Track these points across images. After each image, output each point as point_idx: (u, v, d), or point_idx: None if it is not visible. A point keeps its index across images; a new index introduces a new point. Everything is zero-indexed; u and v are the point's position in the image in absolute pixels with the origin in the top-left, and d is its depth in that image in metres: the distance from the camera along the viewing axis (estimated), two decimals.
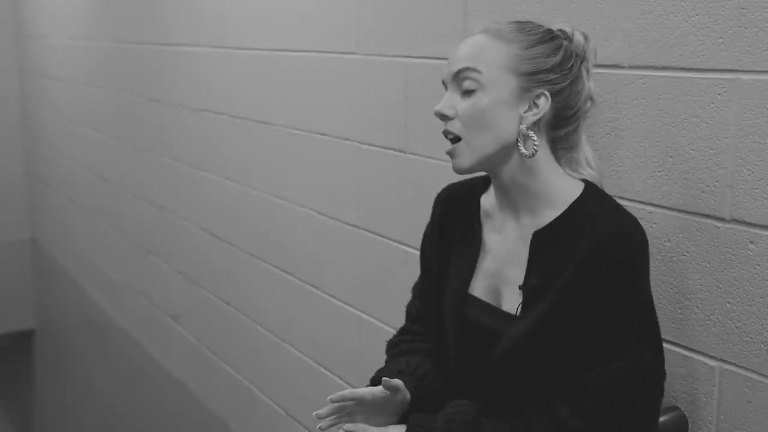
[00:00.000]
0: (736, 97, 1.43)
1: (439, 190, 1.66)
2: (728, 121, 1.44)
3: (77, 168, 5.48)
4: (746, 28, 1.41)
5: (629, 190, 1.62)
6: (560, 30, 1.47)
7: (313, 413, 1.45)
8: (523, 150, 1.40)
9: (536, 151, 1.40)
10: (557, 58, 1.42)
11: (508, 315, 1.45)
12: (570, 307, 1.35)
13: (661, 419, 1.52)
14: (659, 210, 1.57)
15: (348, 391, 1.44)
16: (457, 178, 1.59)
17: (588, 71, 1.47)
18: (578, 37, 1.46)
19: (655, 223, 1.58)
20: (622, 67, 1.63)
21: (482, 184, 1.57)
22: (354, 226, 2.59)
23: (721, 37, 1.45)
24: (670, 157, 1.54)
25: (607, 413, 1.33)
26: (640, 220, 1.58)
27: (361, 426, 1.43)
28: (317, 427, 1.47)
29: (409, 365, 1.57)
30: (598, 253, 1.33)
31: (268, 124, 3.05)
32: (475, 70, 1.39)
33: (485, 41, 1.41)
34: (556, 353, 1.36)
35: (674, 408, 1.55)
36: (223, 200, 3.47)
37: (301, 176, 2.88)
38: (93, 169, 5.18)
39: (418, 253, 1.71)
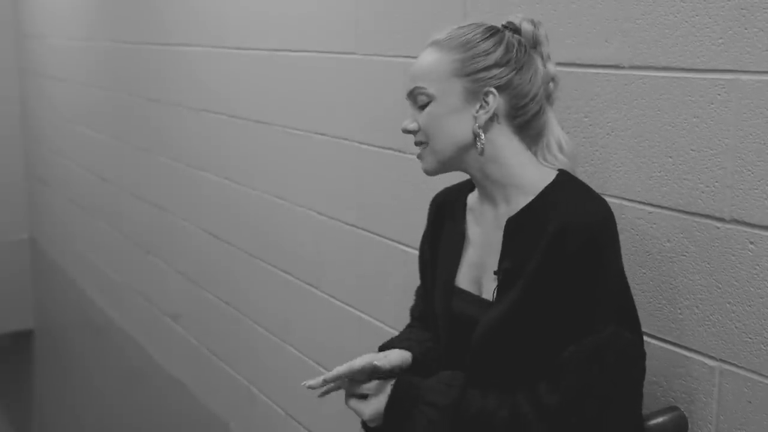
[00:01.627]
0: (736, 97, 1.43)
1: (437, 189, 1.69)
2: (728, 121, 1.44)
3: (76, 168, 5.48)
4: (746, 29, 1.41)
5: (629, 190, 1.62)
6: (508, 23, 1.51)
7: (303, 383, 1.52)
8: (479, 146, 1.46)
9: (483, 148, 1.46)
10: (498, 53, 1.46)
11: (487, 302, 1.48)
12: (541, 289, 1.37)
13: (661, 419, 1.52)
14: (659, 210, 1.57)
15: (345, 367, 1.50)
16: (453, 179, 1.61)
17: (543, 55, 1.50)
18: (526, 26, 1.50)
19: (654, 224, 1.58)
20: (623, 68, 1.63)
21: (471, 185, 1.61)
22: (353, 225, 2.59)
23: (721, 38, 1.45)
24: (670, 157, 1.54)
25: (582, 390, 1.34)
26: (639, 221, 1.59)
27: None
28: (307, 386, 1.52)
29: (418, 336, 1.65)
30: (563, 233, 1.35)
31: (268, 124, 3.05)
32: (420, 87, 1.48)
33: (430, 55, 1.49)
34: (531, 335, 1.38)
35: (674, 408, 1.55)
36: (222, 200, 3.47)
37: (301, 176, 2.88)
38: (92, 169, 5.18)
39: (417, 252, 1.72)
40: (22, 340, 7.29)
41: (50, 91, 5.98)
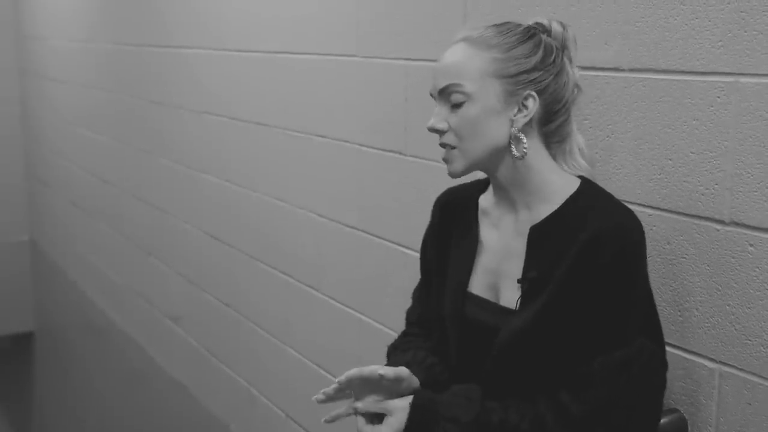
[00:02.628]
0: (736, 100, 1.43)
1: (439, 192, 1.67)
2: (727, 123, 1.45)
3: (77, 170, 5.49)
4: (745, 32, 1.41)
5: (629, 192, 1.63)
6: (537, 23, 1.48)
7: (318, 394, 1.46)
8: (514, 152, 1.42)
9: (526, 152, 1.42)
10: (538, 56, 1.43)
11: (506, 310, 1.46)
12: (568, 299, 1.36)
13: (661, 421, 1.52)
14: (659, 212, 1.58)
15: (355, 371, 1.44)
16: (456, 181, 1.60)
17: (571, 60, 1.48)
18: (556, 28, 1.47)
19: (654, 226, 1.58)
20: (622, 70, 1.63)
21: (481, 186, 1.59)
22: (354, 228, 2.59)
23: (720, 41, 1.45)
24: (670, 159, 1.55)
25: (608, 401, 1.34)
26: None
27: (368, 402, 1.44)
28: (320, 403, 1.47)
29: (416, 357, 1.57)
30: (594, 244, 1.34)
31: (268, 126, 3.05)
32: (458, 85, 1.41)
33: (466, 51, 1.43)
34: (555, 345, 1.37)
35: (674, 410, 1.56)
36: (223, 202, 3.47)
37: (301, 178, 2.88)
38: (93, 171, 5.18)
39: (417, 255, 1.71)
40: (23, 341, 7.29)
41: (51, 92, 5.98)
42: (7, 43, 6.72)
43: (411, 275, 1.72)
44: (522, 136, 1.42)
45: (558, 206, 1.43)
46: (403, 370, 1.46)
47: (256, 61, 3.10)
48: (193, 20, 3.62)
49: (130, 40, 4.38)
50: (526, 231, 1.45)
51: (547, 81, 1.42)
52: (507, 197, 1.49)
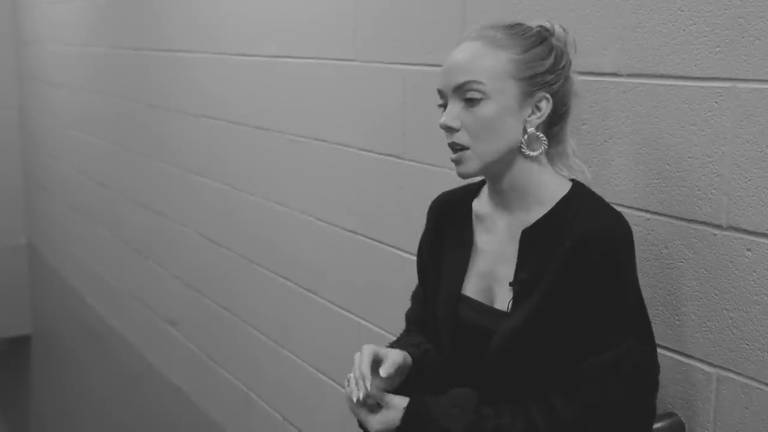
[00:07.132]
0: (733, 105, 1.44)
1: (437, 195, 1.68)
2: (725, 129, 1.45)
3: (75, 173, 5.49)
4: (743, 38, 1.42)
5: (627, 197, 1.63)
6: (541, 26, 1.49)
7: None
8: (529, 152, 1.43)
9: (546, 147, 1.44)
10: (551, 59, 1.44)
11: (499, 312, 1.47)
12: (558, 301, 1.37)
13: (659, 425, 1.53)
14: (657, 217, 1.58)
15: (368, 354, 1.44)
16: (454, 184, 1.60)
17: (570, 63, 1.49)
18: (559, 31, 1.48)
19: (652, 230, 1.59)
20: (620, 76, 1.64)
21: (474, 190, 1.60)
22: (352, 232, 2.59)
23: (718, 46, 1.46)
24: (668, 164, 1.55)
25: (599, 403, 1.35)
26: (637, 227, 1.60)
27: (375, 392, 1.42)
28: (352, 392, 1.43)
29: (412, 339, 1.59)
30: (582, 247, 1.35)
31: (267, 130, 3.05)
32: (477, 82, 1.40)
33: (481, 49, 1.43)
34: (547, 346, 1.38)
35: (671, 414, 1.56)
36: (221, 206, 3.48)
37: (300, 182, 2.89)
38: (91, 174, 5.18)
39: (415, 258, 1.71)
40: (20, 345, 7.29)
41: (49, 96, 5.98)
42: (6, 48, 6.72)
43: (409, 279, 1.72)
44: (541, 135, 1.43)
45: (549, 209, 1.44)
46: (395, 357, 1.45)
47: (254, 65, 3.11)
48: (192, 24, 3.62)
49: (128, 44, 4.38)
50: (518, 234, 1.46)
51: (558, 84, 1.44)
52: (504, 201, 1.49)
